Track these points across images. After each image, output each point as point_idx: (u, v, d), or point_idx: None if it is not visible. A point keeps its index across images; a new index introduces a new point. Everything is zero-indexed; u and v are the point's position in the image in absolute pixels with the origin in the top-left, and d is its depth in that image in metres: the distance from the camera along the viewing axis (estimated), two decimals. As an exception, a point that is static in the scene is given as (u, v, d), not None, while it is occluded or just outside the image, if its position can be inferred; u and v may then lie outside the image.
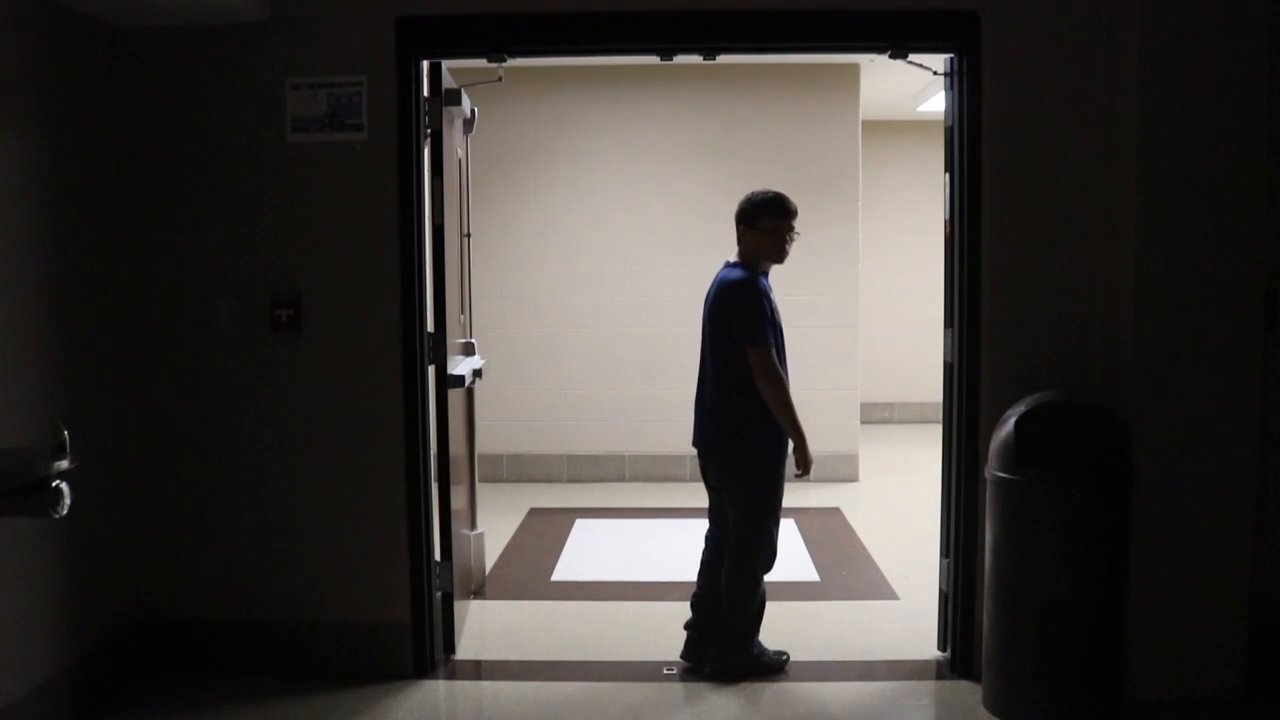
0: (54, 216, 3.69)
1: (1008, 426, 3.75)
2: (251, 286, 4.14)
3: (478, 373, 4.97)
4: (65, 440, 2.84)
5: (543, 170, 7.86)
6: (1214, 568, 3.84)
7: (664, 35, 4.14)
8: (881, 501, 7.39)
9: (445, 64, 4.32)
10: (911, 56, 4.23)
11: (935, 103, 8.15)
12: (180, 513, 4.22)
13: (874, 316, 9.63)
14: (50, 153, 3.66)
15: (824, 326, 7.79)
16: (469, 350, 5.05)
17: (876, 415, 10.19)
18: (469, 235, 5.16)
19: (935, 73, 4.33)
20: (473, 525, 5.18)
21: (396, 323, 4.12)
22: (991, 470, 3.80)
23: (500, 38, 4.12)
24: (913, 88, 8.12)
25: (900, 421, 10.40)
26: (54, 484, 2.79)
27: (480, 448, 5.62)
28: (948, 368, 4.27)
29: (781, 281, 7.73)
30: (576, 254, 7.88)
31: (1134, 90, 3.80)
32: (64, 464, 2.82)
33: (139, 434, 4.16)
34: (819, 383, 7.74)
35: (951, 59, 4.18)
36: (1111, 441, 3.67)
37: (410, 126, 4.09)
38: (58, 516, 2.80)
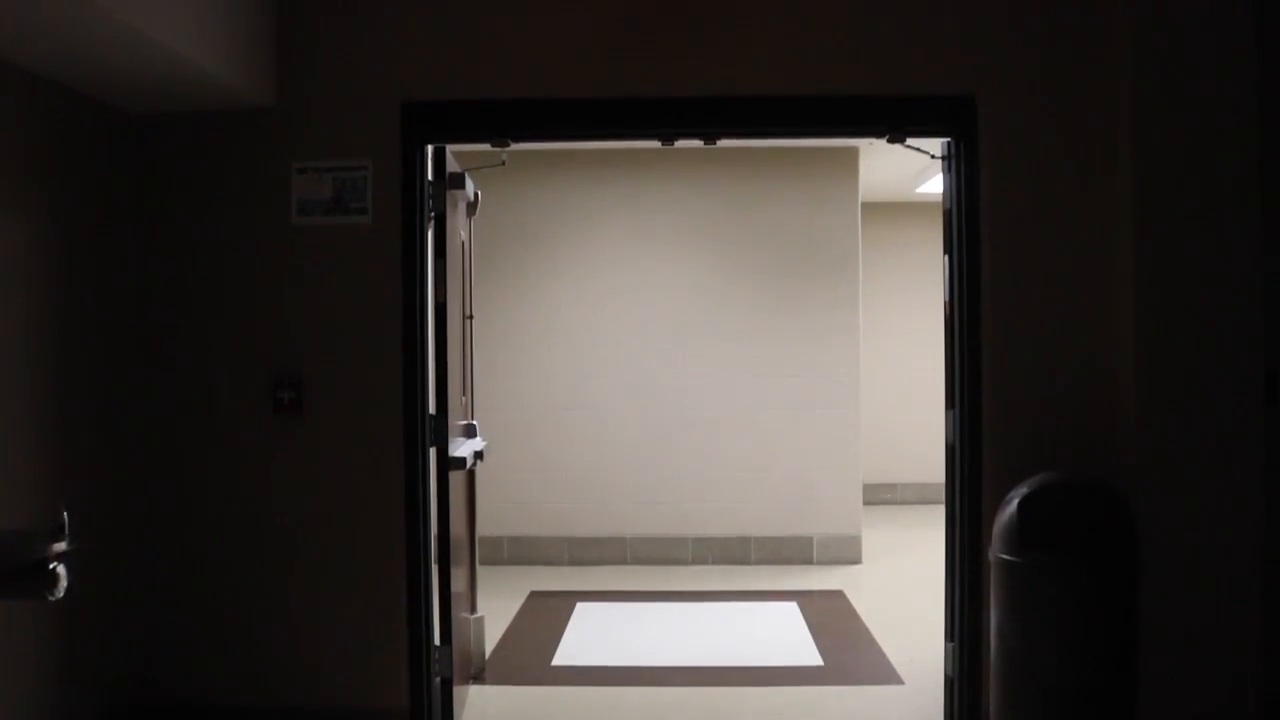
0: (58, 296, 3.71)
1: (1011, 508, 3.72)
2: (254, 367, 4.16)
3: (479, 454, 4.96)
4: (65, 522, 2.82)
5: (545, 251, 7.92)
6: (1223, 650, 3.79)
7: (665, 121, 4.20)
8: (885, 584, 7.31)
9: (449, 148, 4.38)
10: (910, 141, 4.28)
11: (934, 184, 8.24)
12: (176, 595, 4.18)
13: (876, 396, 9.62)
14: (55, 233, 3.70)
15: (826, 407, 7.79)
16: (470, 432, 5.05)
17: (879, 496, 10.14)
18: (471, 316, 5.18)
19: (933, 156, 4.38)
20: (473, 608, 5.13)
21: (398, 404, 4.12)
22: (995, 552, 3.78)
23: (504, 123, 4.18)
24: (912, 169, 8.21)
25: (903, 502, 10.34)
26: (51, 566, 2.76)
27: (481, 530, 5.58)
28: (949, 449, 4.26)
29: (782, 362, 7.79)
30: (578, 335, 7.90)
31: (1130, 171, 3.85)
32: (62, 545, 2.80)
33: (137, 514, 4.14)
34: (821, 464, 7.72)
35: (949, 143, 4.23)
36: (1116, 523, 3.65)
37: (414, 210, 4.14)
38: (53, 599, 2.78)
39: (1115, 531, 3.64)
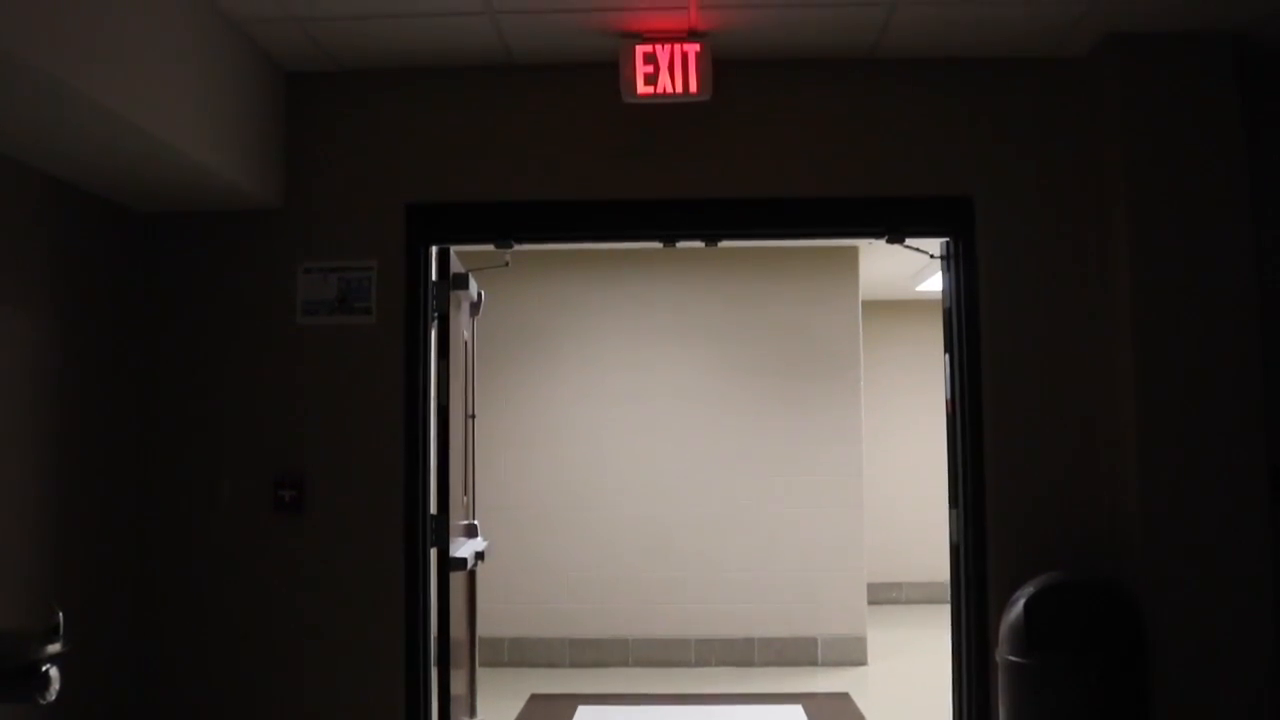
0: (61, 390, 3.72)
1: (1017, 609, 3.68)
2: (255, 465, 4.15)
3: (480, 555, 4.92)
4: (60, 623, 2.79)
5: (547, 350, 7.95)
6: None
7: (667, 222, 4.25)
8: (891, 686, 7.19)
9: (453, 249, 4.43)
10: (909, 241, 4.33)
11: (934, 282, 8.30)
12: (171, 694, 4.11)
13: (879, 495, 9.57)
14: (62, 329, 3.72)
15: (829, 506, 7.74)
16: (472, 532, 5.02)
17: (884, 596, 10.02)
18: (473, 416, 5.19)
19: (932, 256, 4.43)
20: (472, 712, 5.04)
21: (399, 504, 4.11)
22: (1002, 654, 3.72)
23: (508, 224, 4.24)
24: (912, 268, 8.28)
25: (909, 602, 10.22)
26: (44, 668, 2.72)
27: (481, 631, 5.51)
28: (954, 548, 4.23)
29: (784, 461, 7.76)
30: (579, 435, 7.89)
31: (1127, 273, 3.88)
32: (56, 648, 2.76)
33: (133, 613, 4.09)
34: (825, 562, 7.65)
35: (948, 243, 4.28)
36: (1124, 622, 3.60)
37: (418, 310, 4.17)
38: (45, 703, 2.73)
39: (1123, 631, 3.59)
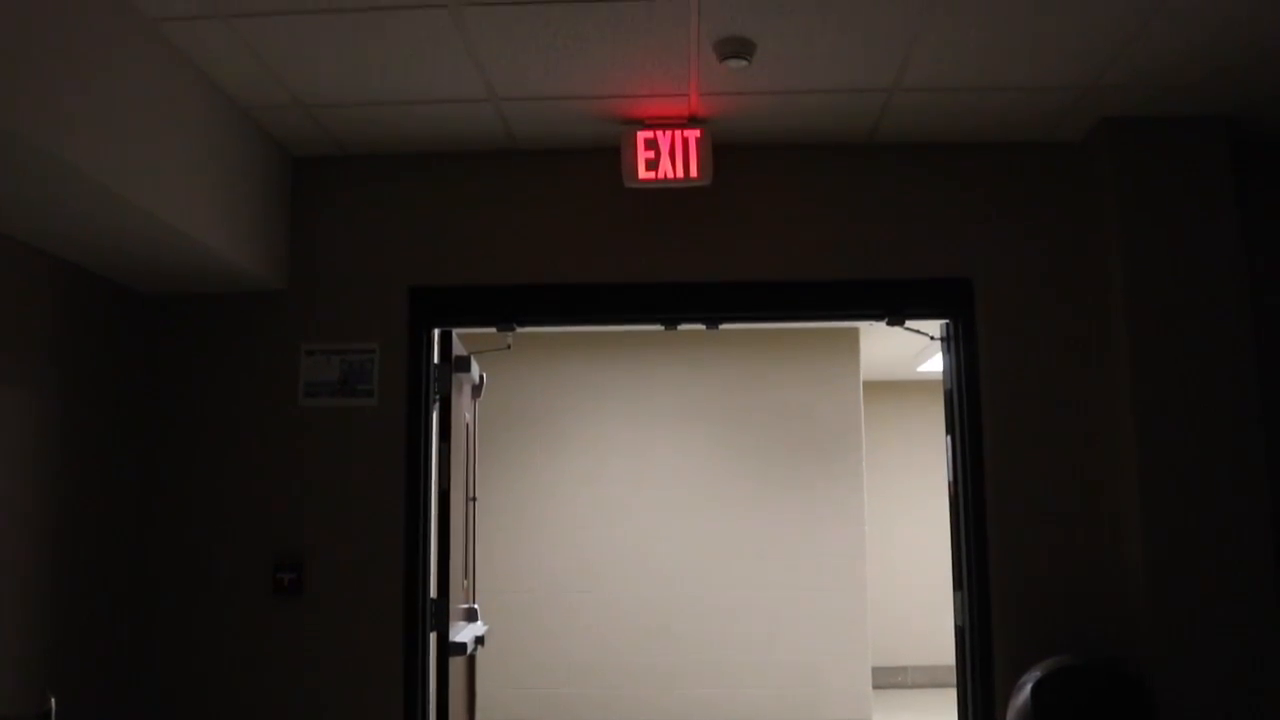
0: (61, 470, 3.71)
1: (1024, 694, 3.64)
2: (255, 547, 4.13)
3: (480, 639, 4.87)
4: (51, 709, 2.76)
5: (548, 432, 7.95)
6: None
7: (667, 306, 4.28)
8: (899, 773, 7.07)
9: (455, 331, 4.45)
10: (909, 322, 4.35)
11: (935, 362, 8.33)
12: (167, 789, 4.05)
13: (882, 576, 9.50)
14: (64, 408, 3.73)
15: (831, 588, 7.68)
16: (472, 616, 4.97)
17: (889, 680, 9.89)
18: (474, 499, 5.17)
19: (932, 337, 4.45)
20: (472, 801, 4.95)
21: (399, 588, 4.08)
22: (1011, 740, 3.67)
23: (510, 308, 4.26)
24: (912, 349, 8.31)
25: (914, 686, 10.08)
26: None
27: (481, 715, 5.43)
28: (959, 631, 4.19)
29: (786, 542, 7.72)
30: (581, 517, 7.86)
31: (1126, 350, 3.90)
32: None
33: (128, 697, 4.04)
34: (828, 645, 7.57)
35: (947, 324, 4.30)
36: (1133, 704, 3.55)
37: (420, 393, 4.18)
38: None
39: (1133, 714, 3.54)
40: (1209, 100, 3.88)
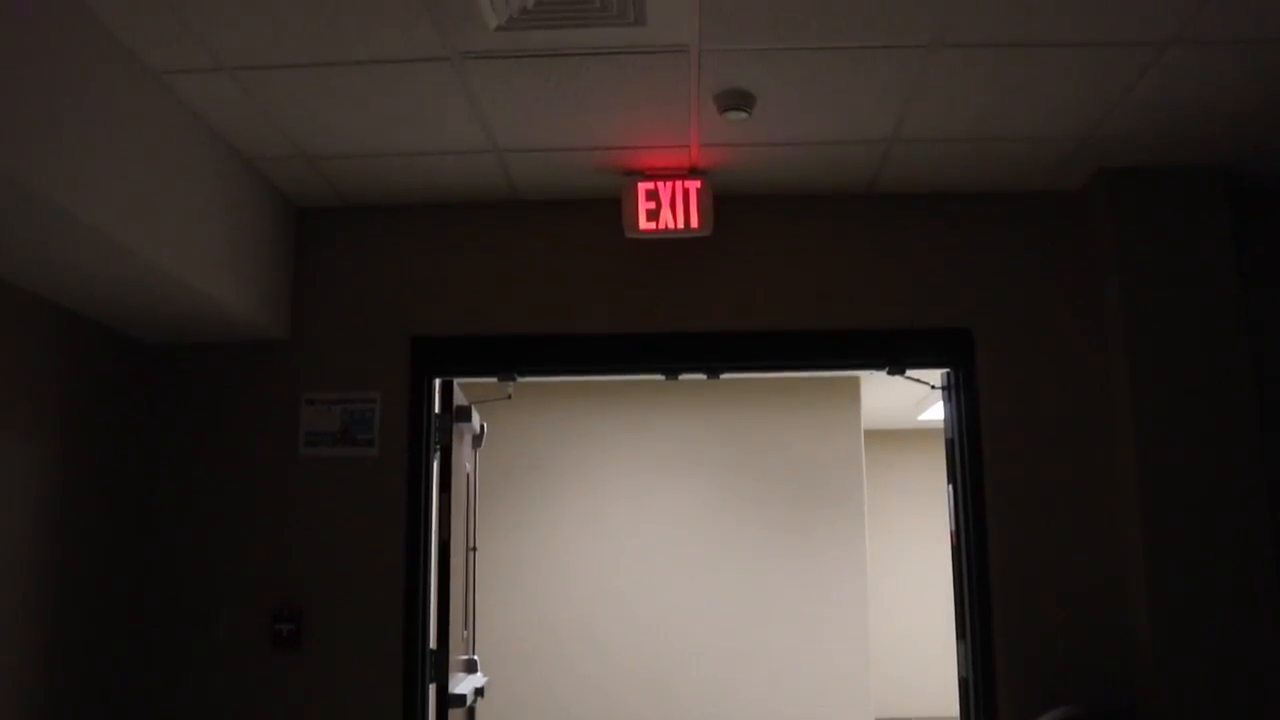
0: (61, 519, 3.70)
1: (1030, 747, 3.60)
2: (254, 598, 4.10)
3: (480, 691, 4.83)
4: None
5: (548, 481, 7.93)
6: None
7: (669, 356, 4.28)
8: (903, 827, 6.98)
9: (456, 381, 4.46)
10: (909, 372, 4.36)
11: (936, 410, 8.32)
12: (162, 845, 4.00)
13: (885, 626, 9.43)
14: (63, 456, 3.72)
15: (833, 638, 7.62)
16: (471, 667, 4.93)
17: (893, 732, 9.79)
18: (474, 549, 5.15)
19: (933, 386, 4.45)
20: None
21: (399, 639, 4.04)
22: (1016, 795, 3.62)
23: (511, 358, 4.27)
24: (913, 398, 8.31)
25: (918, 738, 9.98)
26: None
27: (481, 770, 5.37)
28: (963, 682, 4.15)
29: (787, 592, 7.67)
30: (582, 568, 7.81)
31: (1128, 398, 3.90)
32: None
33: (127, 758, 4.00)
34: (831, 697, 7.49)
35: (948, 373, 4.30)
36: (1139, 763, 3.52)
37: (420, 442, 4.18)
38: None
39: (1139, 772, 3.51)
40: (1206, 150, 3.91)
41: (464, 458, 4.77)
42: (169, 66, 3.23)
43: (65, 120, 2.81)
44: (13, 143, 2.58)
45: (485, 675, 5.11)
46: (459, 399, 4.54)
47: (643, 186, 4.02)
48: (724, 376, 4.87)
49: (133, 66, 3.15)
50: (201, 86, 3.37)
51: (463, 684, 4.56)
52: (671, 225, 4.01)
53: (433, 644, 4.19)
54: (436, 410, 4.32)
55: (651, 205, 4.01)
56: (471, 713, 4.90)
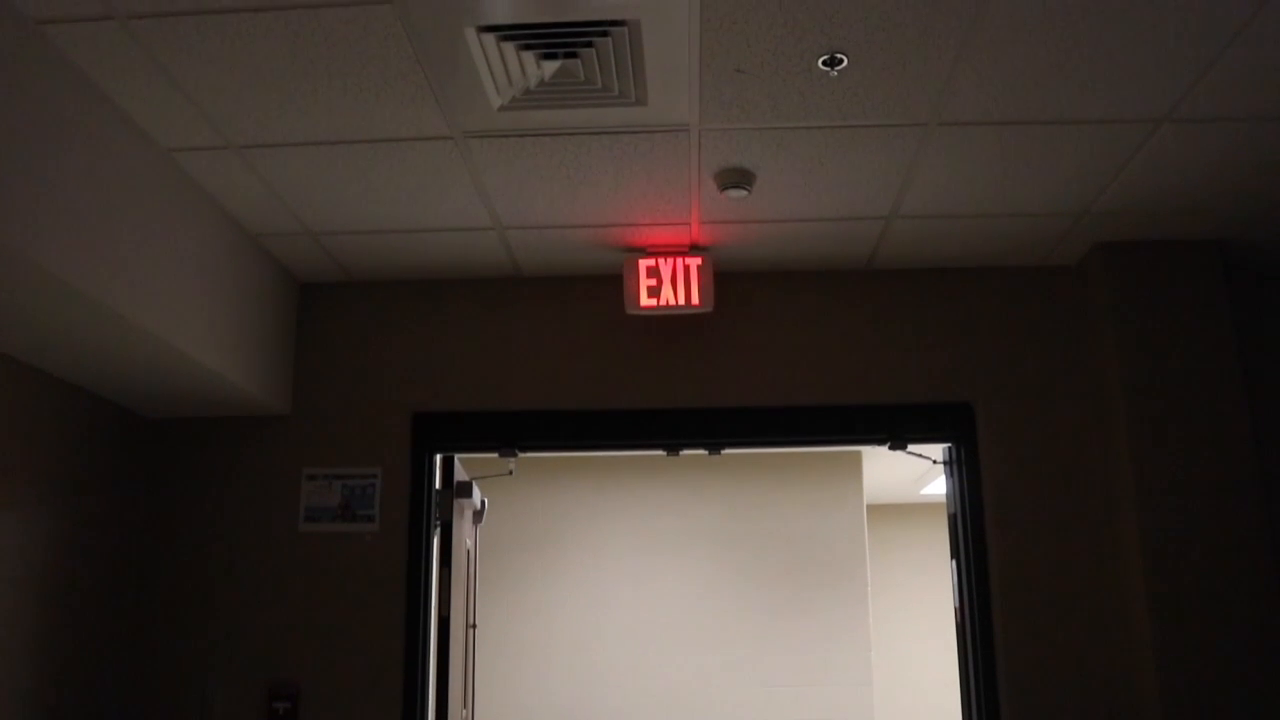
0: (57, 595, 3.67)
1: (1038, 830, 3.54)
2: (250, 675, 4.06)
3: (479, 771, 4.76)
4: None
5: (549, 557, 7.87)
6: None
7: (670, 432, 4.28)
8: None
9: (458, 456, 4.45)
10: (911, 447, 4.35)
11: (938, 484, 8.28)
12: None
13: (890, 704, 9.30)
14: (62, 531, 3.70)
15: (837, 717, 7.51)
16: (471, 746, 4.86)
17: (899, 813, 9.62)
18: (474, 626, 5.10)
19: (934, 461, 4.44)
20: None
21: (397, 718, 3.99)
22: None
23: (512, 434, 4.27)
24: (915, 472, 8.28)
25: (925, 820, 9.80)
26: None
27: None
28: (970, 764, 4.09)
29: (790, 670, 7.58)
30: (582, 644, 7.73)
31: (1130, 470, 3.89)
32: None
33: (119, 841, 3.93)
34: (836, 778, 7.37)
35: (949, 448, 4.30)
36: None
37: (421, 518, 4.17)
38: None
39: None
40: (1202, 223, 3.94)
41: (464, 533, 4.75)
42: (178, 144, 3.28)
43: (73, 196, 2.84)
44: (20, 218, 2.61)
45: (484, 755, 5.04)
46: (460, 474, 4.53)
47: (644, 263, 4.06)
48: (725, 452, 4.88)
49: (142, 144, 3.20)
50: (209, 164, 3.41)
51: (461, 764, 4.50)
52: (672, 302, 4.04)
53: (431, 723, 4.14)
54: (437, 486, 4.32)
55: (653, 282, 4.04)
56: (470, 794, 4.83)
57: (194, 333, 3.49)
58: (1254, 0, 2.63)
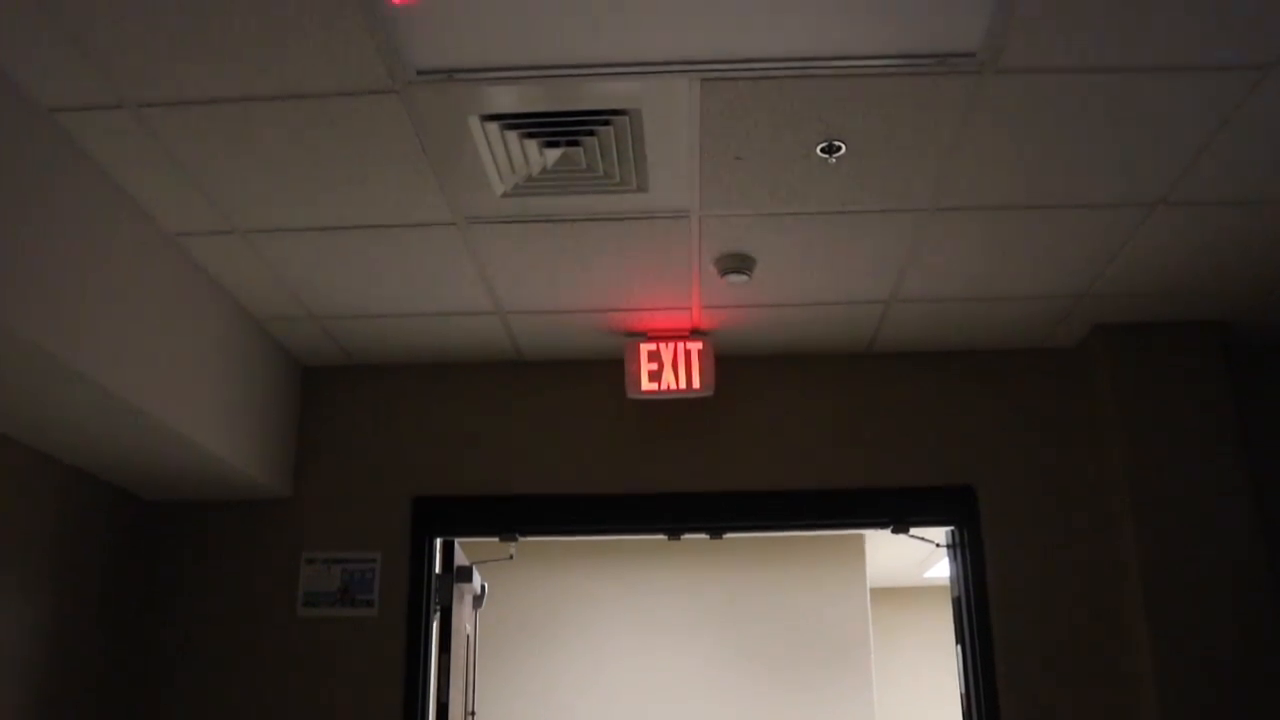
0: (53, 678, 3.62)
1: None
2: (246, 769, 3.99)
3: None
4: None
5: (549, 641, 7.79)
6: None
7: (671, 516, 4.26)
8: None
9: (458, 541, 4.43)
10: (913, 530, 4.33)
11: (942, 567, 8.22)
12: None
13: (897, 794, 9.13)
14: (59, 613, 3.66)
15: (844, 807, 7.37)
16: (469, 838, 4.77)
17: None
18: (473, 713, 5.03)
19: (937, 545, 4.42)
20: None
21: (394, 809, 3.93)
22: None
23: (513, 518, 4.25)
24: (919, 555, 8.23)
25: None
26: None
27: None
28: None
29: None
30: (584, 729, 7.62)
31: (1134, 553, 3.86)
32: None
33: None
34: None
35: (952, 531, 4.27)
36: None
37: (420, 603, 4.13)
38: None
39: None
40: (1200, 305, 3.96)
41: (464, 618, 4.70)
42: (183, 229, 3.32)
43: (77, 279, 2.86)
44: (23, 300, 2.63)
45: (483, 847, 4.93)
46: (460, 559, 4.50)
47: (645, 348, 4.07)
48: (727, 536, 4.85)
49: (148, 228, 3.23)
50: (214, 249, 3.45)
51: None
52: (673, 386, 4.05)
53: (429, 814, 4.06)
54: (437, 570, 4.29)
55: (654, 366, 4.05)
56: None
57: (196, 416, 3.49)
58: (1243, 85, 2.68)
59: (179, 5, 2.32)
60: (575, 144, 2.87)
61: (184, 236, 3.37)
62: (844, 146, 2.91)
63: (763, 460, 4.25)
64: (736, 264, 3.55)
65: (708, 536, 4.51)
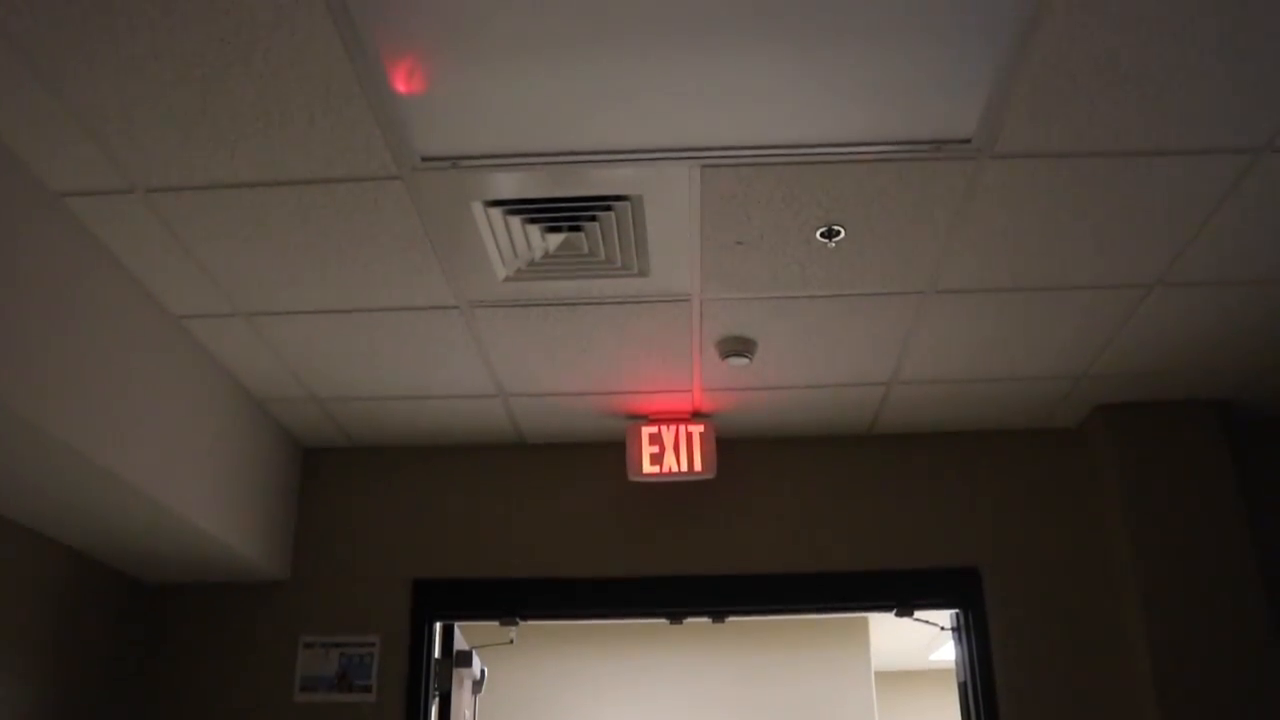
0: (45, 786, 3.57)
1: None
2: None
3: None
4: None
5: (551, 726, 7.68)
6: None
7: (673, 600, 4.22)
8: None
9: (458, 625, 4.38)
10: (918, 613, 4.29)
11: (947, 650, 8.13)
12: None
13: None
14: (57, 697, 3.61)
15: None
16: None
17: None
18: (473, 801, 4.94)
19: (942, 628, 4.37)
20: None
21: None
22: None
23: (513, 602, 4.21)
24: (924, 637, 8.14)
25: None
26: None
27: None
28: None
29: None
30: (585, 817, 7.48)
31: (1142, 633, 3.82)
32: None
33: None
34: None
35: (957, 614, 4.23)
36: None
37: (419, 688, 4.07)
38: None
39: None
40: (1200, 384, 3.97)
41: (463, 704, 4.64)
42: (187, 311, 3.34)
43: (79, 360, 2.87)
44: (25, 382, 2.63)
45: None
46: (460, 643, 4.45)
47: (646, 430, 4.07)
48: (729, 619, 4.80)
49: (151, 310, 3.25)
50: (218, 331, 3.46)
51: None
52: (675, 469, 4.04)
53: None
54: (437, 655, 4.24)
55: (655, 449, 4.05)
56: None
57: (196, 498, 3.48)
58: (1236, 168, 2.72)
59: (188, 92, 2.37)
60: (577, 229, 2.90)
61: (187, 319, 3.39)
62: (843, 231, 2.94)
63: (765, 543, 4.22)
64: (737, 347, 3.57)
65: (710, 620, 4.47)
